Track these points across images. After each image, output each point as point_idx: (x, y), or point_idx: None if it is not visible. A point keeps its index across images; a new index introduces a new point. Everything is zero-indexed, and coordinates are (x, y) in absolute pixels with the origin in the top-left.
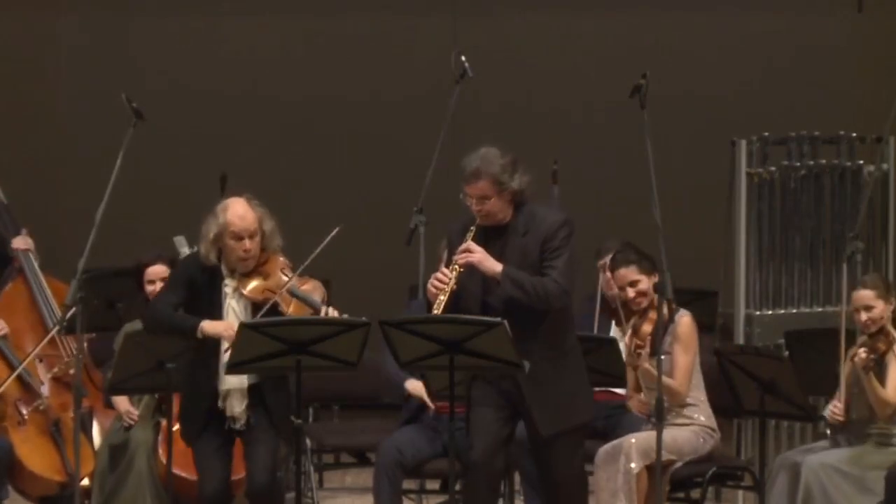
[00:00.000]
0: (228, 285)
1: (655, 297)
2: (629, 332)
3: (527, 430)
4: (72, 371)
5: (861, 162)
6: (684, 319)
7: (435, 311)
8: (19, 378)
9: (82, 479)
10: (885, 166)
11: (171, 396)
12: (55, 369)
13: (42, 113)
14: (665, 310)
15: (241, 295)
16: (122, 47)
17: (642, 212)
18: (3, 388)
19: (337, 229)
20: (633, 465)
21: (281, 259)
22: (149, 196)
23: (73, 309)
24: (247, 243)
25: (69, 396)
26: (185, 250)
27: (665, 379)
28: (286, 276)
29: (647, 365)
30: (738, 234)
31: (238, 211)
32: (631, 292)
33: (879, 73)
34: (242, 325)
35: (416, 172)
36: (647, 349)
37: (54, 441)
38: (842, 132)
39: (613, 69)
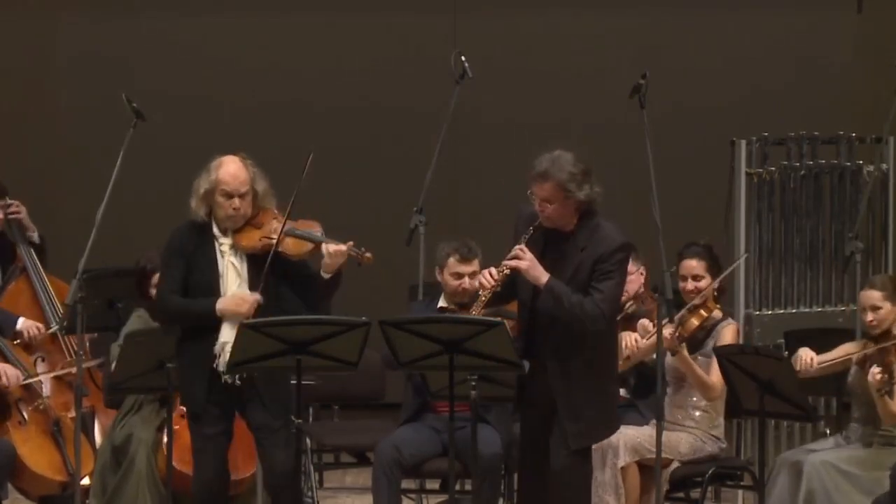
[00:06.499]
0: (224, 244)
1: (710, 299)
2: (675, 321)
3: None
4: (73, 370)
5: (861, 162)
6: (731, 326)
7: (475, 309)
8: None
9: (83, 478)
10: (884, 166)
11: (172, 396)
12: (57, 369)
13: (43, 114)
14: (657, 307)
15: (238, 250)
16: (123, 49)
17: (642, 212)
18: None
19: (311, 154)
20: (619, 459)
21: (272, 210)
22: (149, 196)
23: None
24: (236, 202)
25: (70, 396)
26: None
27: (703, 374)
28: (279, 221)
29: (685, 353)
30: (738, 234)
31: (230, 169)
32: (690, 284)
33: (879, 73)
34: (242, 326)
35: (415, 172)
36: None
37: (55, 441)
38: (841, 132)
39: (613, 69)
